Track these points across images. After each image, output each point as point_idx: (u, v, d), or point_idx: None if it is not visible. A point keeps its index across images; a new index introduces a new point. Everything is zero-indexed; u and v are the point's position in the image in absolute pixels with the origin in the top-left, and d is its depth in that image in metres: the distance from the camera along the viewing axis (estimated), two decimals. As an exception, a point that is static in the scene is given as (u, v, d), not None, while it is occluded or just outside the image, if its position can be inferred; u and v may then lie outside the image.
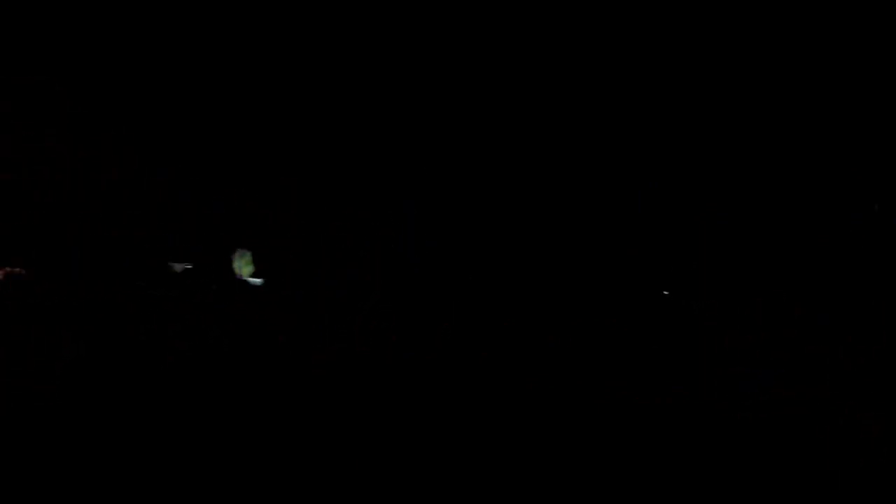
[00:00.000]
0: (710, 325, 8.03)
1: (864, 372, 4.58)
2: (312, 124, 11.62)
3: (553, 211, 11.49)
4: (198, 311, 9.05)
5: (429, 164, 11.81)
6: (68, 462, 2.33)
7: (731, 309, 8.62)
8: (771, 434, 2.86)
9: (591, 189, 11.05)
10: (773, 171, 8.54)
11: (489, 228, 11.99)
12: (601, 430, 2.95)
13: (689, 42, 8.45)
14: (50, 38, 8.92)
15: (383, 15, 9.37)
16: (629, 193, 10.69)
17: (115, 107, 10.55)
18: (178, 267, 9.64)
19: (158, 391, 3.66)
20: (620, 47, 9.10)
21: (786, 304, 7.16)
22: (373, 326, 8.10)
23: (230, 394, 3.64)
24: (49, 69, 9.35)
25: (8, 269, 7.98)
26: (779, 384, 4.22)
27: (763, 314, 7.89)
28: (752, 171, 8.83)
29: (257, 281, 9.95)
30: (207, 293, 10.54)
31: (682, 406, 3.50)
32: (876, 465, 2.42)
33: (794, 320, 6.65)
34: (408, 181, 12.05)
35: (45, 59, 9.15)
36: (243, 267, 9.61)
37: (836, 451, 2.60)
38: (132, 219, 11.18)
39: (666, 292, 10.30)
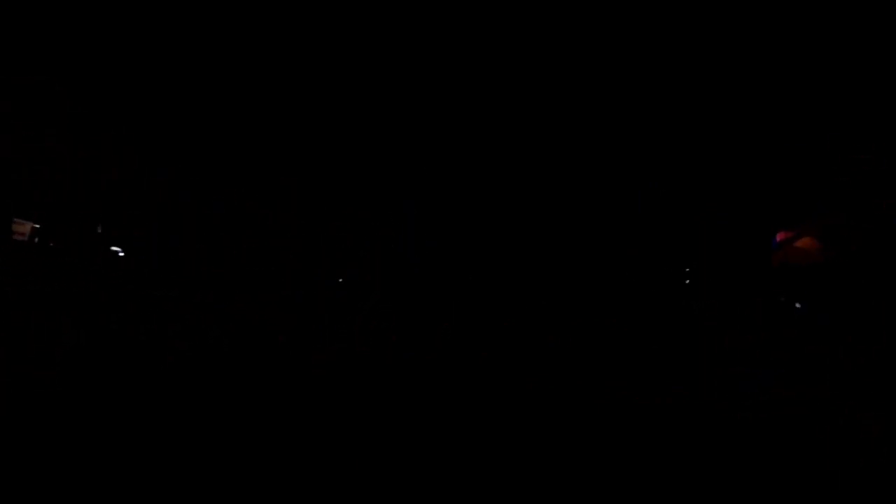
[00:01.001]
0: (710, 325, 8.03)
1: (864, 372, 4.58)
2: (313, 125, 11.61)
3: (553, 211, 11.48)
4: (198, 311, 9.04)
5: (428, 165, 11.80)
6: (65, 447, 2.33)
7: (731, 309, 8.61)
8: (771, 434, 2.86)
9: (591, 189, 11.04)
10: (771, 172, 8.54)
11: (488, 229, 11.98)
12: (601, 429, 2.95)
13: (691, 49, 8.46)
14: (50, 38, 8.92)
15: (385, 18, 9.37)
16: (629, 193, 10.68)
17: (115, 107, 10.54)
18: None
19: (158, 389, 3.66)
20: (620, 52, 9.10)
21: (786, 304, 7.15)
22: (373, 326, 8.10)
23: (230, 393, 3.64)
24: (49, 69, 9.35)
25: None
26: (779, 384, 4.21)
27: (763, 314, 7.89)
28: (752, 172, 8.82)
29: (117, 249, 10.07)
30: (207, 293, 10.53)
31: (682, 406, 3.50)
32: (876, 465, 2.42)
33: (793, 320, 6.65)
34: (408, 181, 12.05)
35: (45, 59, 9.15)
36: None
37: (836, 451, 2.60)
38: (132, 219, 11.17)
39: (666, 292, 10.29)
